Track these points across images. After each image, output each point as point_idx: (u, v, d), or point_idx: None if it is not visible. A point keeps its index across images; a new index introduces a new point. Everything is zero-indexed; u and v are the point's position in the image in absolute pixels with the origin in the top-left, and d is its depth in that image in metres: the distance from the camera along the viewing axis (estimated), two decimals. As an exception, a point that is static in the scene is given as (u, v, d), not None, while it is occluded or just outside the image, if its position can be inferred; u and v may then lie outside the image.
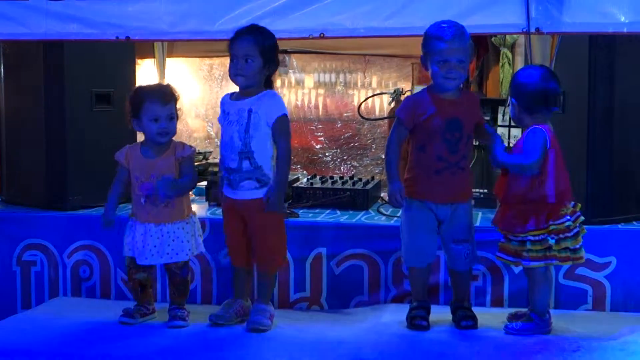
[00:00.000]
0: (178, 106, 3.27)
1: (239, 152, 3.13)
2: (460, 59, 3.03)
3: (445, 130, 3.07)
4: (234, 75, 3.15)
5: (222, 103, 3.24)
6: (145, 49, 5.14)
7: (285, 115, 3.15)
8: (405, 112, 3.13)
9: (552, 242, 2.96)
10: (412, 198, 3.13)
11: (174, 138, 3.29)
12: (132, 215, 3.28)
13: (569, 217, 2.98)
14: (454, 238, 3.14)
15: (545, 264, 3.00)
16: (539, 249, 2.98)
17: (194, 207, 3.44)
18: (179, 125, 3.36)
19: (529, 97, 3.03)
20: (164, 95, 3.23)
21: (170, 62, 5.44)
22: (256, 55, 3.11)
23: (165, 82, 4.32)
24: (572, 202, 3.03)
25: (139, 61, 4.98)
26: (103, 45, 3.80)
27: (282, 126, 3.14)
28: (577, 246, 3.00)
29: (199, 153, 5.10)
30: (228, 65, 3.17)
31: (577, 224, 3.01)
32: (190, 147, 3.32)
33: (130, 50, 4.22)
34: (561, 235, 2.97)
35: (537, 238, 2.97)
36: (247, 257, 3.25)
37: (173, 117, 3.23)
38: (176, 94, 3.28)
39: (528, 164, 2.96)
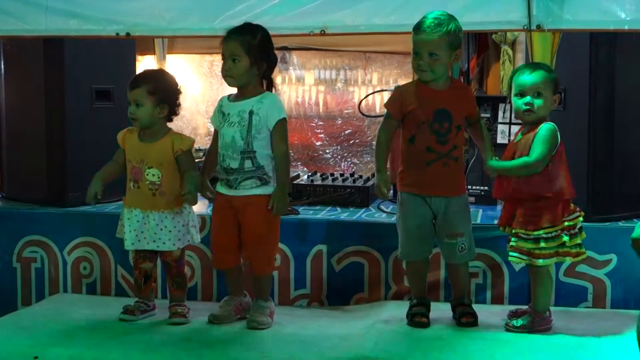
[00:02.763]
0: (155, 94, 3.21)
1: (241, 152, 3.13)
2: (430, 51, 3.02)
3: (433, 121, 3.07)
4: (224, 76, 3.16)
5: (221, 105, 3.23)
6: (146, 45, 5.14)
7: (284, 119, 3.17)
8: (392, 103, 3.15)
9: (566, 238, 2.96)
10: (405, 192, 3.13)
11: (174, 128, 3.31)
12: (124, 200, 3.29)
13: (577, 213, 2.99)
14: (447, 232, 3.13)
15: (557, 259, 3.00)
16: (552, 246, 2.97)
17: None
18: (180, 122, 3.36)
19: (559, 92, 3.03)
20: (133, 80, 3.26)
21: (170, 58, 5.44)
22: (242, 55, 3.10)
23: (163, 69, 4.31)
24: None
25: (139, 57, 4.98)
26: (103, 41, 3.80)
27: (282, 130, 3.16)
28: (581, 241, 3.01)
29: (199, 150, 5.10)
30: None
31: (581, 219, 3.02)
32: (189, 138, 3.31)
33: (130, 46, 4.22)
34: (572, 231, 2.98)
35: (550, 235, 2.96)
36: (234, 258, 3.25)
37: (139, 103, 3.21)
38: (150, 79, 3.25)
39: (533, 161, 2.95)
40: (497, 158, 3.08)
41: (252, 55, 3.11)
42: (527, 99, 2.99)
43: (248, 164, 3.14)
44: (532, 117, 3.01)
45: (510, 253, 3.06)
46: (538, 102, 2.98)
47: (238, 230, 3.20)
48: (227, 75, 3.14)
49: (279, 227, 3.24)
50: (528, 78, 3.00)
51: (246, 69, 3.12)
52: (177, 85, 3.32)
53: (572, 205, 3.01)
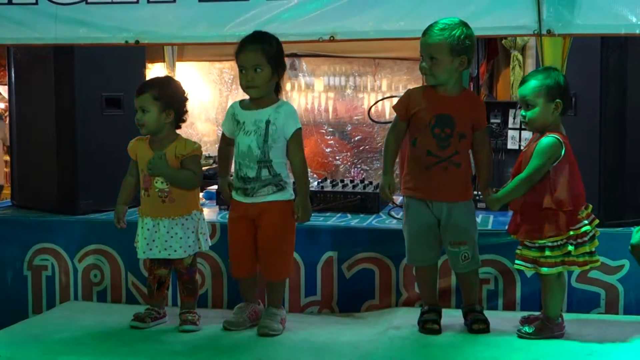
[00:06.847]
0: (161, 100, 3.22)
1: (257, 161, 3.13)
2: (431, 54, 3.02)
3: (434, 125, 3.06)
4: (245, 87, 3.14)
5: (233, 112, 3.21)
6: (155, 53, 5.16)
7: (300, 129, 3.17)
8: (400, 105, 3.15)
9: (571, 248, 2.94)
10: (408, 196, 3.13)
11: (182, 134, 3.31)
12: (139, 209, 3.30)
13: (585, 222, 2.97)
14: (450, 240, 3.12)
15: (563, 269, 2.98)
16: (557, 255, 2.96)
17: (205, 212, 3.43)
18: (189, 130, 3.36)
19: (569, 98, 3.02)
20: (139, 87, 3.27)
21: (180, 66, 5.45)
22: (264, 64, 3.10)
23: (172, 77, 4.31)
24: (584, 205, 3.01)
25: (149, 65, 5.00)
26: (113, 49, 3.81)
27: (298, 140, 3.16)
28: (594, 249, 2.99)
29: (209, 157, 5.10)
30: (238, 69, 3.16)
31: (593, 227, 2.99)
32: (194, 143, 3.30)
33: (140, 54, 4.23)
34: (579, 240, 2.96)
35: (555, 244, 2.95)
36: (252, 266, 3.24)
37: (145, 109, 3.22)
38: (156, 85, 3.26)
39: (525, 177, 2.95)
40: (495, 190, 3.07)
41: (272, 63, 3.11)
42: (522, 111, 3.02)
43: (265, 172, 3.13)
44: (529, 128, 3.06)
45: (516, 261, 3.06)
46: (529, 113, 3.00)
47: (254, 239, 3.20)
48: (250, 86, 3.11)
49: (294, 236, 3.24)
50: (519, 91, 3.05)
51: (269, 77, 3.12)
52: (184, 92, 3.33)
53: (584, 213, 2.99)
